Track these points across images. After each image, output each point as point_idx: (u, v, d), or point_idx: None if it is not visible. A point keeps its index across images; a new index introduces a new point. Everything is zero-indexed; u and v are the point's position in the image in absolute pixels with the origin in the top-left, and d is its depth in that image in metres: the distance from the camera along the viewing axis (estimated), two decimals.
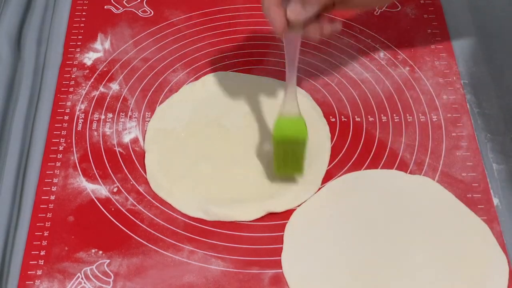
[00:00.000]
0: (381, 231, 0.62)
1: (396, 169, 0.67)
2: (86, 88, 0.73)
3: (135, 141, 0.69)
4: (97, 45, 0.77)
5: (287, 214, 0.64)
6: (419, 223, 0.62)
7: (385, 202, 0.64)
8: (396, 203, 0.64)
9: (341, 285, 0.59)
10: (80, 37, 0.78)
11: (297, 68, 0.60)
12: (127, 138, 0.69)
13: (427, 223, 0.62)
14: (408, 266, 0.60)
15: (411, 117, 0.71)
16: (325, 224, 0.63)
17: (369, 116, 0.71)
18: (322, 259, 0.60)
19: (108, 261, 0.61)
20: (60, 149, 0.68)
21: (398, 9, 0.80)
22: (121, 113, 0.71)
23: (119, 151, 0.68)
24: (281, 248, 0.61)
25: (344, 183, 0.66)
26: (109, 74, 0.74)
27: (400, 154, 0.68)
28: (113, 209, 0.64)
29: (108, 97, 0.73)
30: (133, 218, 0.64)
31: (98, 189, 0.65)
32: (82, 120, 0.71)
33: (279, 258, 0.61)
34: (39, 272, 0.60)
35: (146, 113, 0.71)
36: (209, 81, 0.73)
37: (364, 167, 0.67)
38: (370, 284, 0.59)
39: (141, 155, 0.68)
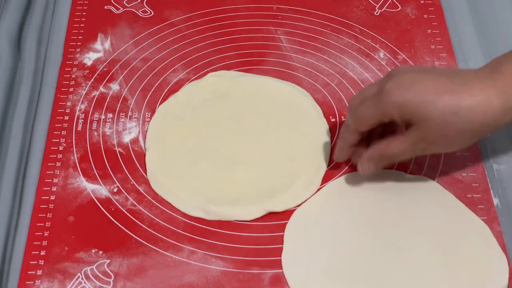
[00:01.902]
0: (381, 231, 0.62)
1: (396, 169, 0.66)
2: (86, 88, 0.73)
3: (135, 141, 0.69)
4: (97, 45, 0.77)
5: (287, 214, 0.64)
6: (419, 223, 0.62)
7: (385, 202, 0.64)
8: (396, 203, 0.64)
9: (341, 285, 0.59)
10: (80, 37, 0.78)
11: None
12: (127, 138, 0.69)
13: (427, 223, 0.62)
14: (407, 266, 0.60)
15: None
16: (325, 224, 0.63)
17: None
18: (322, 259, 0.60)
19: (108, 261, 0.61)
20: (60, 149, 0.68)
21: (398, 9, 0.80)
22: (121, 113, 0.71)
23: (119, 151, 0.68)
24: (281, 248, 0.61)
25: (344, 183, 0.66)
26: (109, 74, 0.74)
27: None
28: (113, 209, 0.64)
29: (108, 97, 0.73)
30: (133, 218, 0.64)
31: (98, 189, 0.65)
32: (82, 120, 0.71)
33: (279, 258, 0.61)
34: (39, 272, 0.60)
35: (146, 113, 0.71)
36: (209, 81, 0.73)
37: None
38: (370, 284, 0.59)
39: (141, 155, 0.68)
